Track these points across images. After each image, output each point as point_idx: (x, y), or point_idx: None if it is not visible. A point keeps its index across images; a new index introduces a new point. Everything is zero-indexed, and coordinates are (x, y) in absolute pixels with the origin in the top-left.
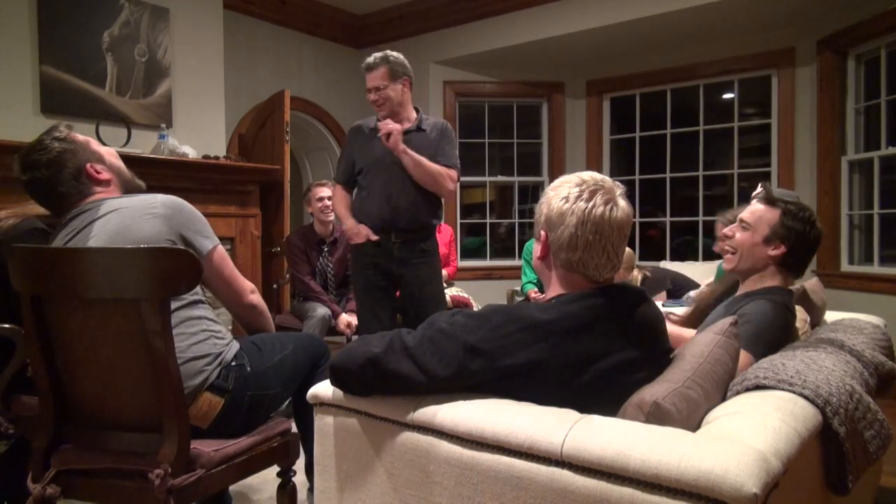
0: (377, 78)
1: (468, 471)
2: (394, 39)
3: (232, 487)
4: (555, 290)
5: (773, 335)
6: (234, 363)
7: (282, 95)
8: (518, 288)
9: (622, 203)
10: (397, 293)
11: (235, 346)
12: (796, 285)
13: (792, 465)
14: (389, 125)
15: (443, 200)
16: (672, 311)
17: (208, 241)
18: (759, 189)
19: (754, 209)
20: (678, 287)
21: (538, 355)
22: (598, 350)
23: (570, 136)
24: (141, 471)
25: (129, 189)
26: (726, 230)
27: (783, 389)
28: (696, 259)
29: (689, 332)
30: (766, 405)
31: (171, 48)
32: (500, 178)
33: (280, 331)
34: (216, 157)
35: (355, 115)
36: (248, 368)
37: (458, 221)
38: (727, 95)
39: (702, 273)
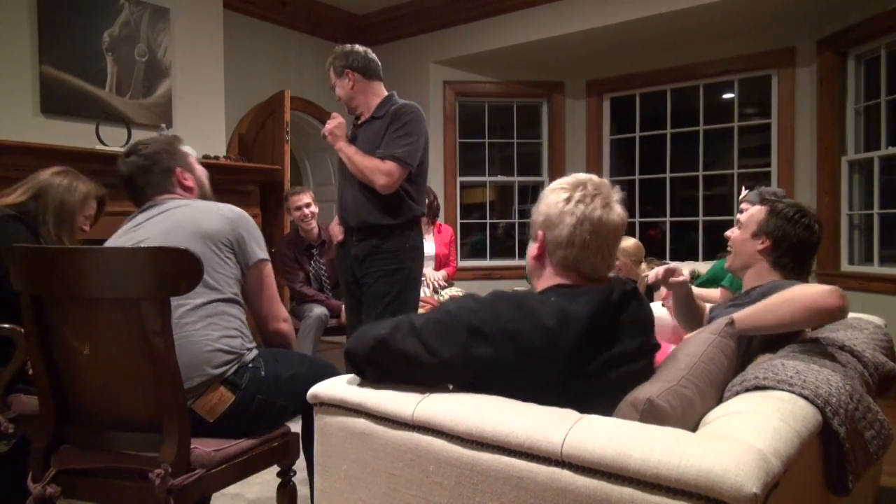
0: (330, 77)
1: (468, 471)
2: (394, 39)
3: (232, 487)
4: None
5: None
6: (251, 364)
7: (282, 95)
8: (519, 288)
9: (618, 208)
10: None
11: (255, 351)
12: None
13: (792, 465)
14: (329, 123)
15: (414, 198)
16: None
17: (260, 251)
18: (744, 192)
19: (750, 209)
20: None
21: (539, 344)
22: (597, 342)
23: (570, 136)
24: (141, 470)
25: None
26: (728, 232)
27: (783, 389)
28: (696, 259)
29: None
30: (765, 405)
31: (171, 48)
32: (500, 178)
33: None
34: (216, 157)
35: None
36: (263, 373)
37: (458, 221)
38: (727, 95)
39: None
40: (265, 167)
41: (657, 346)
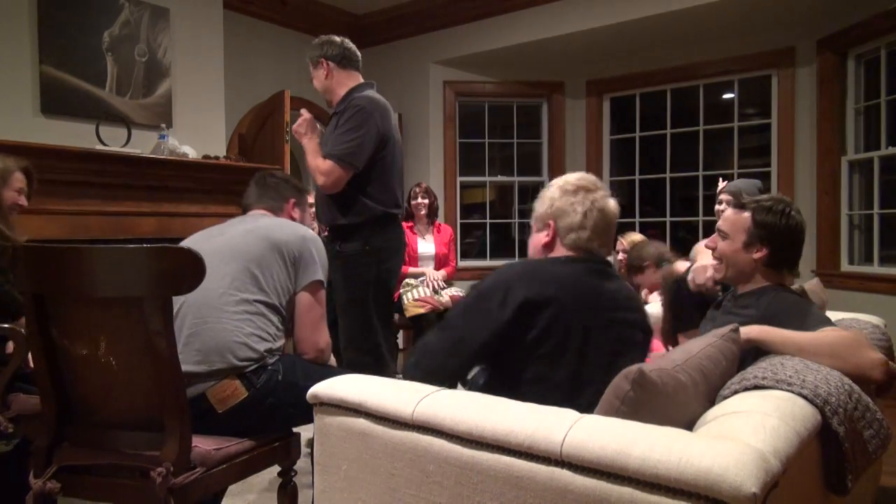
0: (311, 72)
1: (468, 470)
2: (394, 39)
3: (232, 487)
4: None
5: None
6: (270, 367)
7: (282, 95)
8: None
9: (613, 200)
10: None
11: (278, 355)
12: (795, 285)
13: (791, 464)
14: (299, 119)
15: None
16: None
17: (317, 274)
18: (721, 184)
19: (727, 216)
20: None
21: (556, 293)
22: (607, 300)
23: (570, 136)
24: (142, 469)
25: None
26: (708, 242)
27: (782, 389)
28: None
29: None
30: (765, 405)
31: (171, 48)
32: (500, 178)
33: None
34: (216, 157)
35: None
36: (280, 377)
37: (458, 221)
38: (727, 95)
39: None
40: (265, 167)
41: (650, 331)
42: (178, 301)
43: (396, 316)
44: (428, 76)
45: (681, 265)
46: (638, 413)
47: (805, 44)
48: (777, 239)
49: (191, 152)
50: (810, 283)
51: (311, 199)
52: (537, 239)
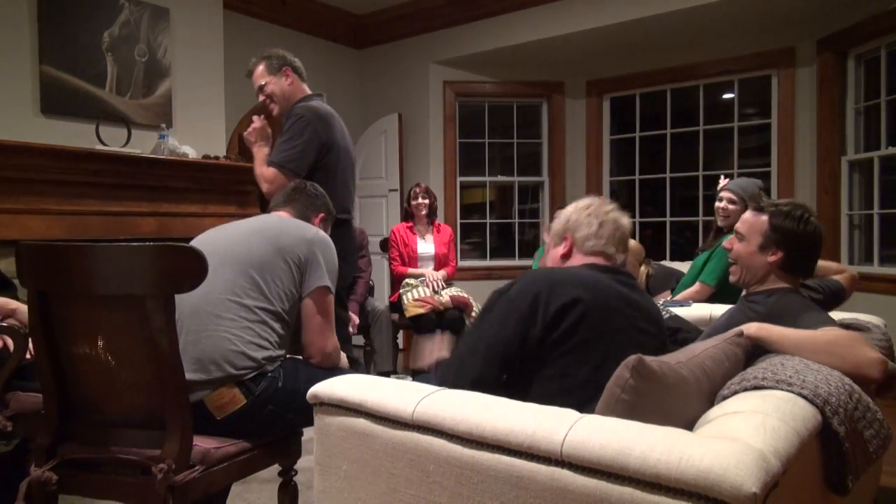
0: (258, 77)
1: (468, 470)
2: (394, 39)
3: (232, 487)
4: None
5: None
6: (270, 374)
7: None
8: None
9: (626, 217)
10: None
11: (279, 361)
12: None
13: (791, 464)
14: (249, 127)
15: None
16: (673, 311)
17: (323, 280)
18: (723, 181)
19: (745, 218)
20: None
21: (581, 293)
22: (631, 307)
23: (570, 136)
24: (143, 466)
25: None
26: (726, 243)
27: (782, 389)
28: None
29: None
30: (765, 405)
31: (171, 48)
32: (500, 178)
33: None
34: (216, 157)
35: (356, 116)
36: (280, 384)
37: (458, 221)
38: (727, 95)
39: None
40: None
41: (667, 347)
42: (177, 304)
43: (396, 316)
44: (428, 76)
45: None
46: (638, 401)
47: (805, 44)
48: (793, 244)
49: (191, 152)
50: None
51: None
52: (555, 252)
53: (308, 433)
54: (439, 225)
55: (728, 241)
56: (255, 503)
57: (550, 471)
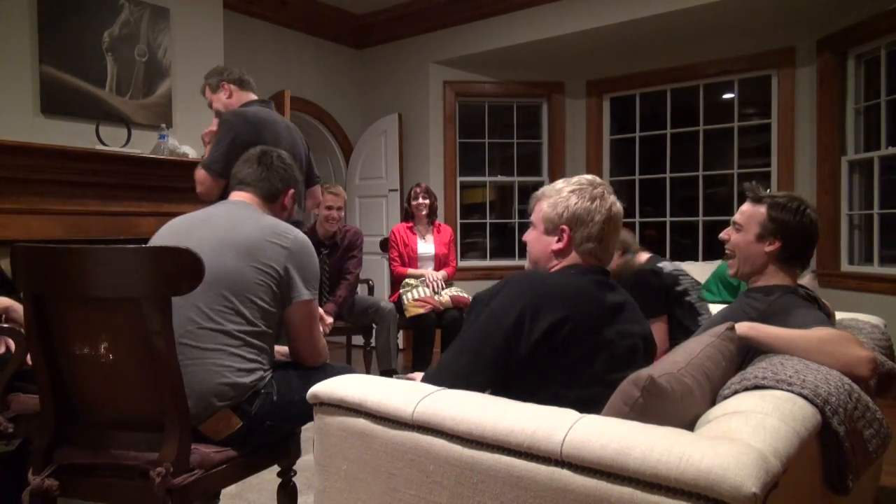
0: (207, 99)
1: (468, 470)
2: (394, 39)
3: (232, 487)
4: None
5: (804, 307)
6: (263, 390)
7: (282, 95)
8: None
9: (619, 203)
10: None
11: (270, 374)
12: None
13: (791, 464)
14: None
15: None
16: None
17: (306, 291)
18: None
19: (743, 209)
20: None
21: (569, 311)
22: (614, 314)
23: (570, 136)
24: (141, 470)
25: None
26: (722, 234)
27: (782, 389)
28: (696, 259)
29: None
30: (765, 405)
31: (171, 48)
32: (500, 178)
33: None
34: None
35: (356, 116)
36: (275, 398)
37: (458, 221)
38: (727, 95)
39: (701, 273)
40: None
41: (654, 342)
42: None
43: (397, 316)
44: (428, 76)
45: (643, 256)
46: (645, 418)
47: (805, 44)
48: (790, 234)
49: (191, 152)
50: (804, 280)
51: (338, 202)
52: (546, 242)
53: (308, 433)
54: (439, 225)
55: (725, 232)
56: (255, 503)
57: (550, 471)
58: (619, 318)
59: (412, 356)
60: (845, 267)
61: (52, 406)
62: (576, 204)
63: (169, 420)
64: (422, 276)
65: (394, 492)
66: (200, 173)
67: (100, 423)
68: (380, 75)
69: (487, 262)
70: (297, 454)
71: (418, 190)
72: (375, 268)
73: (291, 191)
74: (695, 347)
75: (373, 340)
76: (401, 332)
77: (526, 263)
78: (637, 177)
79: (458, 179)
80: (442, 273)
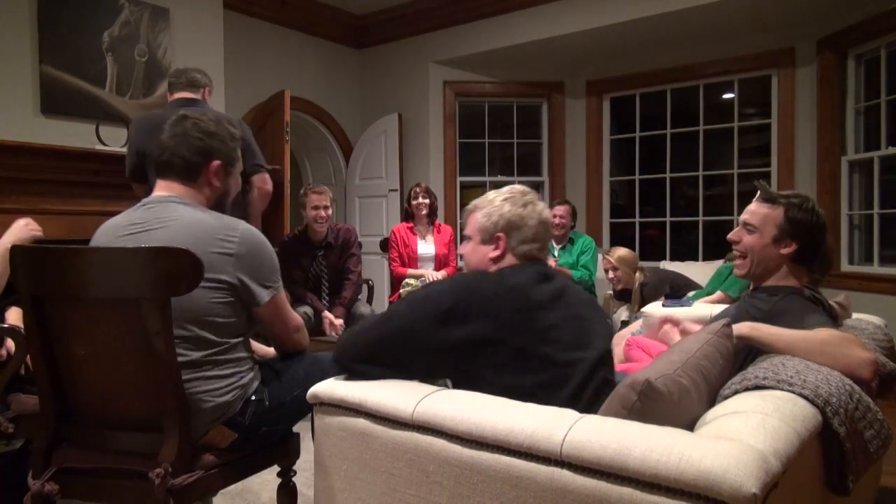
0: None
1: (468, 470)
2: (394, 39)
3: (232, 487)
4: None
5: (812, 308)
6: (254, 397)
7: (282, 95)
8: None
9: (548, 209)
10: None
11: (257, 378)
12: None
13: (791, 465)
14: None
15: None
16: (673, 311)
17: (266, 291)
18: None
19: (757, 210)
20: (677, 289)
21: (496, 315)
22: (551, 299)
23: (570, 136)
24: (141, 470)
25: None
26: (731, 235)
27: (783, 389)
28: (696, 259)
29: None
30: (765, 405)
31: (171, 48)
32: (500, 177)
33: None
34: None
35: (355, 116)
36: (267, 403)
37: (459, 221)
38: (727, 95)
39: (702, 273)
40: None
41: (605, 315)
42: None
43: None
44: (428, 76)
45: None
46: (643, 421)
47: (805, 44)
48: (807, 235)
49: None
50: (839, 298)
51: (325, 201)
52: (483, 252)
53: (308, 433)
54: (440, 225)
55: (734, 233)
56: (255, 503)
57: (550, 471)
58: (560, 304)
59: None
60: (845, 267)
61: (51, 407)
62: (509, 211)
63: (168, 421)
64: (422, 276)
65: (394, 492)
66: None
67: (100, 423)
68: (380, 75)
69: None
70: (297, 454)
71: (418, 190)
72: (375, 268)
73: (216, 163)
74: (692, 346)
75: None
76: None
77: None
78: (637, 177)
79: (458, 179)
80: (442, 273)
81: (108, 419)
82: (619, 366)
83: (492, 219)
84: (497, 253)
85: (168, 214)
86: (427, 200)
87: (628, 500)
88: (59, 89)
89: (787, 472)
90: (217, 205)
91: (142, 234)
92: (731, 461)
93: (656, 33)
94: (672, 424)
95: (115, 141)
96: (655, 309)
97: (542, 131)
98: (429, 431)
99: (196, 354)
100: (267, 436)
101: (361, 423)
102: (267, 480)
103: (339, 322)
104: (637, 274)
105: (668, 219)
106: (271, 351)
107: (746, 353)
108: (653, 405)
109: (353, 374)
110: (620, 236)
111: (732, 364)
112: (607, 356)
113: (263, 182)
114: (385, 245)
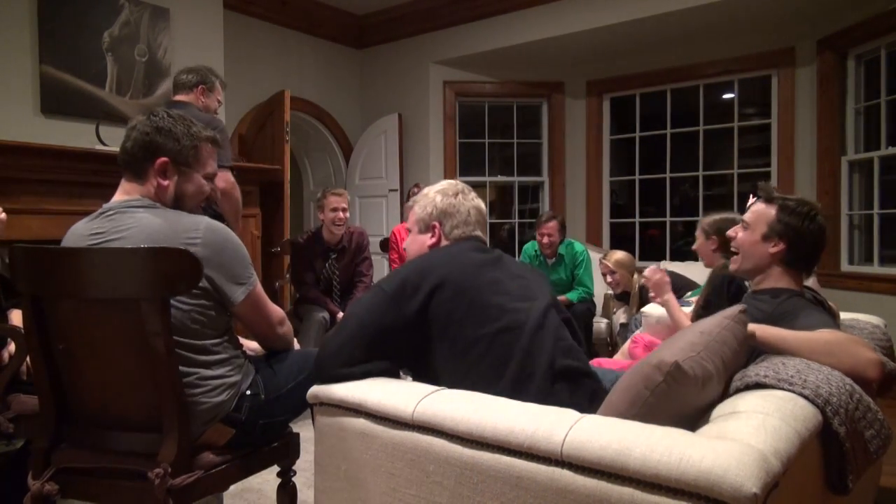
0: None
1: (468, 470)
2: (394, 39)
3: (232, 487)
4: None
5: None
6: (248, 392)
7: (282, 95)
8: None
9: (481, 201)
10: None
11: (251, 373)
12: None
13: (792, 465)
14: None
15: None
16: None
17: (240, 288)
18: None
19: (754, 208)
20: (676, 289)
21: (445, 272)
22: (493, 262)
23: (570, 136)
24: (141, 470)
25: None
26: (730, 231)
27: (783, 389)
28: (696, 259)
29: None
30: (766, 405)
31: (171, 48)
32: (500, 178)
33: None
34: None
35: (355, 115)
36: (263, 396)
37: None
38: (727, 95)
39: (702, 273)
40: (265, 167)
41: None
42: None
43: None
44: (428, 76)
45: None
46: (663, 404)
47: (805, 44)
48: (796, 238)
49: None
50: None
51: (343, 203)
52: (421, 241)
53: (308, 433)
54: None
55: (732, 230)
56: (255, 503)
57: (550, 471)
58: (499, 266)
59: None
60: (845, 267)
61: (51, 407)
62: (441, 201)
63: (168, 421)
64: None
65: (394, 492)
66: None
67: (99, 423)
68: (380, 75)
69: None
70: (296, 454)
71: (416, 190)
72: (375, 268)
73: (161, 160)
74: (711, 328)
75: None
76: None
77: None
78: (637, 177)
79: (459, 179)
80: None
81: (107, 419)
82: (622, 362)
83: (426, 209)
84: (433, 240)
85: (126, 222)
86: None
87: (629, 500)
88: (59, 89)
89: (787, 471)
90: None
91: (102, 244)
92: (731, 461)
93: (656, 33)
94: (689, 409)
95: (115, 141)
96: (655, 309)
97: (542, 131)
98: (429, 431)
99: (183, 360)
100: (265, 430)
101: (361, 423)
102: (267, 480)
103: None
104: (635, 276)
105: (668, 219)
106: (254, 345)
107: (750, 353)
108: (677, 387)
109: (346, 380)
110: (620, 236)
111: (744, 349)
112: (555, 302)
113: (222, 180)
114: (385, 245)
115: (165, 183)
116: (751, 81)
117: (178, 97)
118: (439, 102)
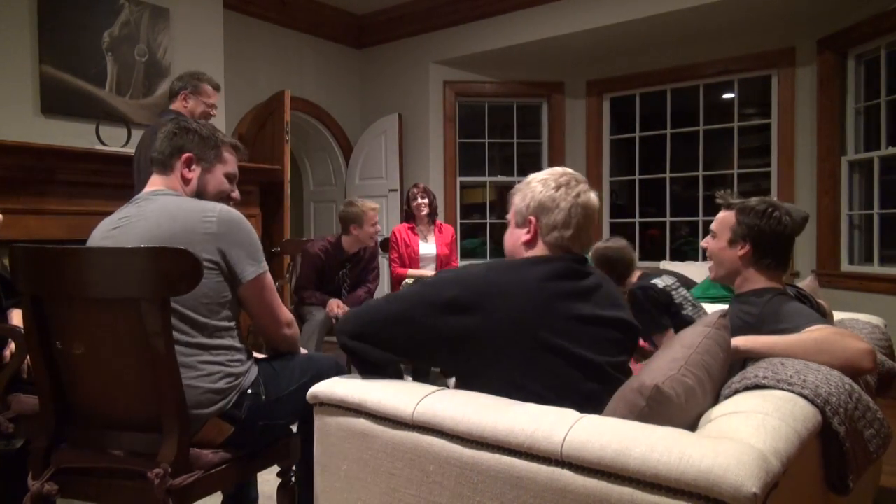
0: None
1: (468, 470)
2: (394, 39)
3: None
4: None
5: (796, 308)
6: (250, 391)
7: (282, 95)
8: None
9: (593, 193)
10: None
11: (254, 372)
12: (799, 283)
13: (792, 464)
14: None
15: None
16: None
17: (252, 268)
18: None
19: (718, 216)
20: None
21: (486, 320)
22: (576, 301)
23: (570, 136)
24: (140, 470)
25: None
26: (702, 242)
27: (783, 389)
28: (696, 259)
29: None
30: (765, 405)
31: (171, 48)
32: (500, 178)
33: None
34: None
35: (356, 115)
36: (264, 397)
37: (459, 221)
38: (727, 95)
39: (702, 273)
40: (265, 167)
41: (635, 326)
42: None
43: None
44: (428, 76)
45: (634, 275)
46: (649, 423)
47: (805, 44)
48: (759, 237)
49: None
50: (806, 282)
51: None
52: (516, 236)
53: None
54: (441, 225)
55: (704, 241)
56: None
57: (550, 471)
58: (590, 300)
59: None
60: (845, 267)
61: (51, 407)
62: (541, 192)
63: (167, 421)
64: (423, 276)
65: (394, 492)
66: None
67: (99, 423)
68: (380, 75)
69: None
70: (297, 454)
71: (416, 191)
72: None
73: (186, 155)
74: (692, 340)
75: None
76: None
77: None
78: (637, 177)
79: (458, 179)
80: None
81: (107, 419)
82: None
83: (525, 200)
84: (528, 237)
85: (150, 207)
86: (426, 200)
87: (629, 500)
88: (59, 89)
89: (787, 471)
90: None
91: (126, 227)
92: (731, 461)
93: (656, 33)
94: (678, 425)
95: (114, 141)
96: None
97: (542, 131)
98: (429, 431)
99: (190, 339)
100: (265, 431)
101: (361, 423)
102: (267, 480)
103: (345, 308)
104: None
105: (668, 219)
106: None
107: (745, 359)
108: (660, 409)
109: (350, 353)
110: (620, 236)
111: (730, 356)
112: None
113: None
114: (385, 245)
115: (189, 175)
116: (751, 81)
117: (171, 107)
118: (439, 102)
